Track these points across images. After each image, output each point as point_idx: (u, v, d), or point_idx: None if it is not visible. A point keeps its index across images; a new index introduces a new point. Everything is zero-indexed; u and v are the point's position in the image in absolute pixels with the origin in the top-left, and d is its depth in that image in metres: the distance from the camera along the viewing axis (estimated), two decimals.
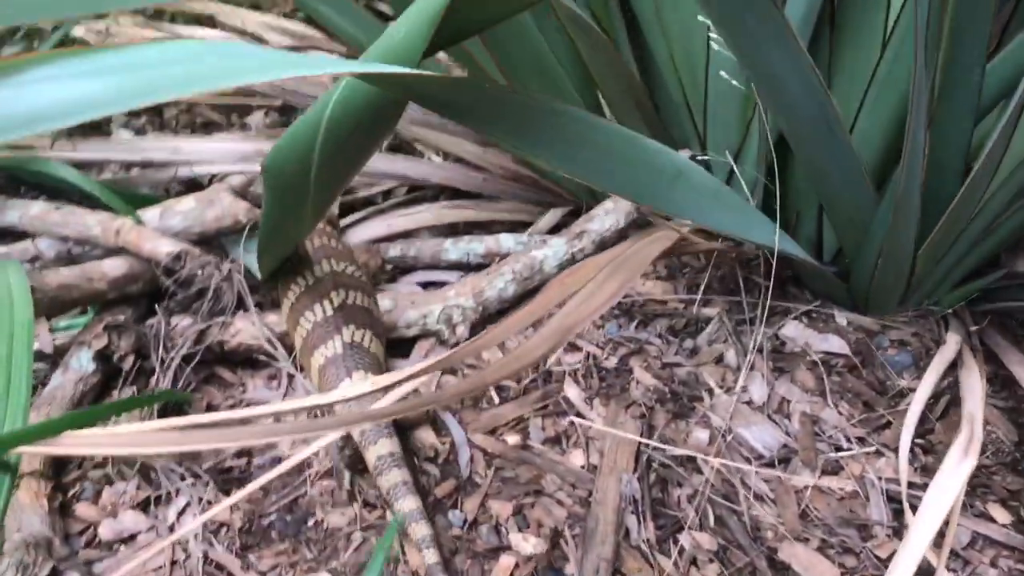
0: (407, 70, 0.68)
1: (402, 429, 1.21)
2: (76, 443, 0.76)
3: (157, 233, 1.37)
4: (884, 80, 1.15)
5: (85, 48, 0.67)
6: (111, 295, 1.36)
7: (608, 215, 1.44)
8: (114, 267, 1.36)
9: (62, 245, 1.44)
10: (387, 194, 1.83)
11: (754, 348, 1.34)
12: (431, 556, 1.03)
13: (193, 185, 1.75)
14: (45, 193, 1.65)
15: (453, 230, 1.70)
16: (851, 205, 1.20)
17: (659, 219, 1.38)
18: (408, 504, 1.07)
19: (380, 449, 1.11)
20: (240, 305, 1.34)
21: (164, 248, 1.34)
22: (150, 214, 1.43)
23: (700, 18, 1.10)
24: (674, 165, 0.98)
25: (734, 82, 1.16)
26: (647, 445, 1.23)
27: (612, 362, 1.35)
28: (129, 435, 0.77)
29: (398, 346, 1.38)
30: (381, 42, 0.79)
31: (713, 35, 1.08)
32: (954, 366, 1.33)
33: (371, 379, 0.93)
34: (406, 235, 1.63)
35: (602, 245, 1.44)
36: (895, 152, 1.25)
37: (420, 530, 1.05)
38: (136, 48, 0.67)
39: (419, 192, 1.81)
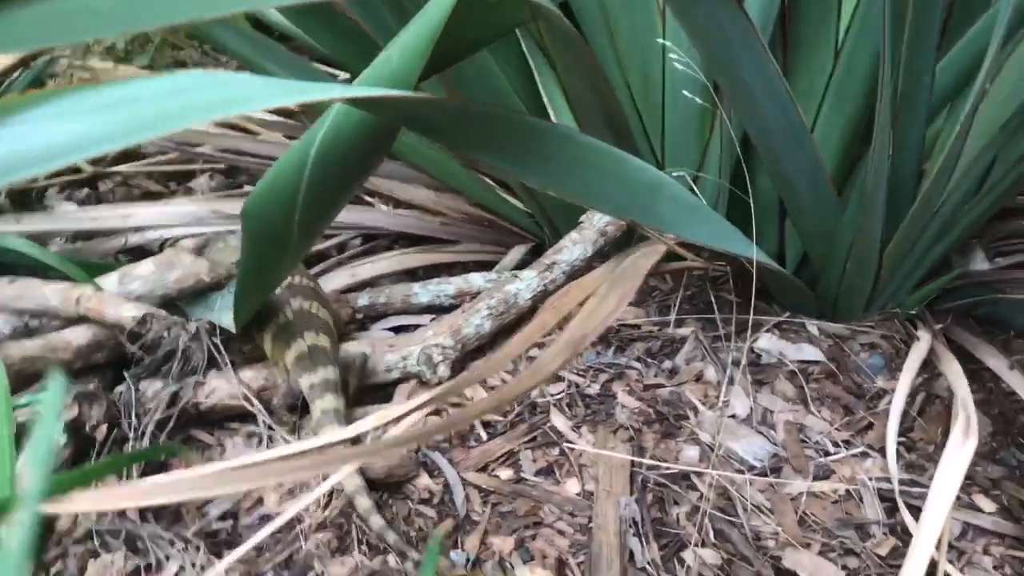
0: (418, 95, 0.68)
1: (394, 485, 1.20)
2: (86, 501, 0.73)
3: (119, 298, 1.34)
4: (838, 88, 1.20)
5: (79, 85, 0.66)
6: (76, 365, 1.32)
7: (576, 245, 1.46)
8: (78, 336, 1.32)
9: (18, 320, 1.39)
10: (342, 247, 1.82)
11: (732, 363, 1.36)
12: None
13: (143, 252, 1.71)
14: None
15: (413, 276, 1.70)
16: (817, 211, 1.24)
17: (642, 234, 1.40)
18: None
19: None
20: (212, 364, 1.31)
21: (128, 312, 1.30)
22: (109, 280, 1.40)
23: (661, 40, 1.14)
24: (654, 180, 1.00)
25: (697, 100, 1.19)
26: (640, 466, 1.23)
27: (595, 389, 1.35)
28: (142, 488, 0.75)
29: (379, 391, 1.37)
30: (376, 67, 0.80)
31: (673, 56, 1.12)
32: (927, 364, 1.36)
33: (373, 416, 0.91)
34: (370, 283, 1.62)
35: (572, 275, 1.46)
36: (851, 158, 1.30)
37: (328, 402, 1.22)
38: (133, 83, 0.66)
39: (374, 242, 1.81)
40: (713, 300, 1.45)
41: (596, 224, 1.50)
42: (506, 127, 0.87)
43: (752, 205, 1.20)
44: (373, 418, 0.93)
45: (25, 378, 1.28)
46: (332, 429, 1.22)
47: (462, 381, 0.86)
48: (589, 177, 0.93)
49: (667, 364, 1.39)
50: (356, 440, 1.10)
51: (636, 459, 1.24)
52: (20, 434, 1.26)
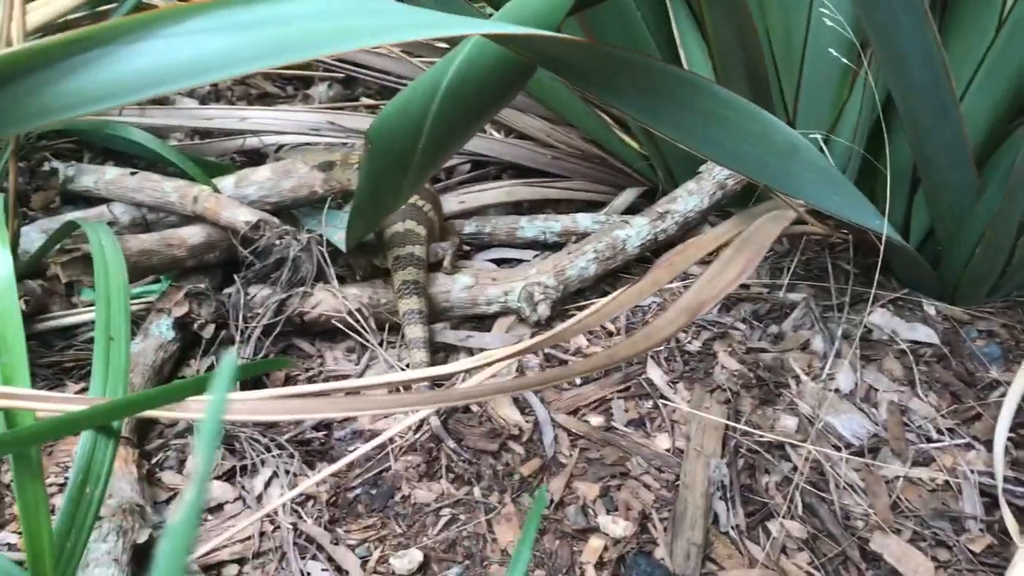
0: (562, 36, 0.66)
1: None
2: (194, 409, 0.75)
3: (235, 201, 1.36)
4: (996, 60, 1.12)
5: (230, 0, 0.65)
6: (189, 263, 1.35)
7: (691, 196, 1.42)
8: (193, 234, 1.35)
9: (137, 211, 1.43)
10: (450, 171, 1.82)
11: (841, 335, 1.32)
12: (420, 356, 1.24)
13: (258, 156, 1.74)
14: (113, 159, 1.64)
15: (519, 209, 1.68)
16: (954, 189, 1.17)
17: (764, 193, 1.36)
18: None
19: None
20: (319, 276, 1.33)
21: (243, 217, 1.33)
22: (226, 182, 1.42)
23: None
24: (789, 141, 0.96)
25: (842, 59, 1.13)
26: (734, 430, 1.22)
27: (696, 346, 1.33)
28: (249, 405, 0.77)
29: (478, 321, 1.38)
30: (520, 2, 0.77)
31: (823, 10, 1.06)
32: None
33: (472, 359, 0.91)
34: (476, 212, 1.61)
35: (685, 227, 1.42)
36: (997, 137, 1.22)
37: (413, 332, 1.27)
38: (283, 2, 0.66)
39: (483, 169, 1.80)
40: (829, 268, 1.40)
41: (716, 176, 1.45)
42: (646, 74, 0.84)
43: (877, 173, 1.15)
44: (472, 360, 0.93)
45: (141, 270, 1.32)
46: (417, 354, 1.26)
47: (565, 331, 0.84)
48: (722, 133, 0.90)
49: (773, 329, 1.36)
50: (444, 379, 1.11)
51: (731, 423, 1.22)
52: (134, 323, 1.31)
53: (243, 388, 1.23)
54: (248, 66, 0.65)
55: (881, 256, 1.12)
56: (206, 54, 0.64)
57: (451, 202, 1.60)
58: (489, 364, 0.88)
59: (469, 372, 1.20)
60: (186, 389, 0.73)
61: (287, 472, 1.14)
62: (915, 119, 1.10)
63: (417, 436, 1.19)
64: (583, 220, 1.51)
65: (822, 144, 1.22)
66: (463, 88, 0.87)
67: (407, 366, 1.28)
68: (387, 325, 1.35)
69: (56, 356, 1.30)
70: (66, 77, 0.58)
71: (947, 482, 1.19)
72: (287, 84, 2.19)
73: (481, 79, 0.84)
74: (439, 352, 1.34)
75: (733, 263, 0.83)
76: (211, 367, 1.27)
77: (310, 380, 1.30)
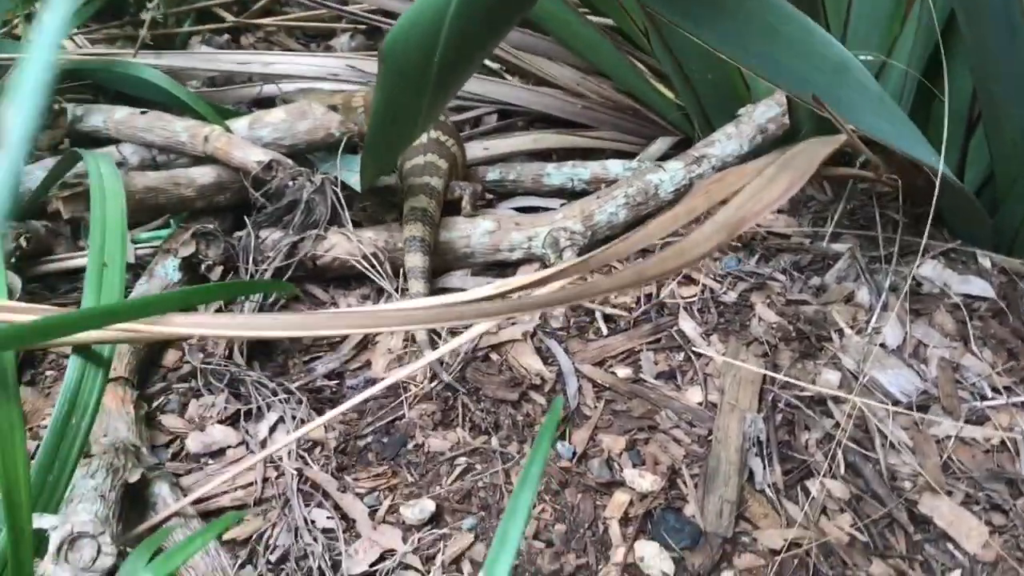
0: None
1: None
2: (185, 324, 0.69)
3: (247, 142, 1.30)
4: None
5: None
6: (198, 204, 1.30)
7: (730, 140, 1.35)
8: (203, 174, 1.30)
9: (146, 152, 1.38)
10: (477, 121, 1.75)
11: (889, 288, 1.24)
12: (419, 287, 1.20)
13: (274, 106, 1.68)
14: (126, 100, 1.59)
15: (547, 159, 1.61)
16: (1018, 125, 1.08)
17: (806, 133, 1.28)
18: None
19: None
20: (334, 220, 1.27)
21: (255, 157, 1.27)
22: (239, 124, 1.37)
23: None
24: (841, 59, 0.88)
25: None
26: (772, 383, 1.14)
27: (731, 297, 1.26)
28: (241, 320, 0.70)
29: (500, 269, 1.32)
30: None
31: None
32: None
33: (492, 285, 0.84)
34: (502, 160, 1.54)
35: (722, 171, 1.34)
36: None
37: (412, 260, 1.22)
38: None
39: (511, 119, 1.73)
40: (877, 216, 1.31)
41: (755, 119, 1.38)
42: None
43: (932, 108, 1.06)
44: (492, 287, 0.86)
45: (147, 209, 1.27)
46: (416, 284, 1.21)
47: (591, 261, 0.77)
48: (772, 45, 0.82)
49: (815, 280, 1.28)
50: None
51: (769, 373, 1.14)
52: (140, 267, 1.26)
53: None
54: None
55: (935, 198, 1.03)
56: None
57: (475, 149, 1.54)
58: (507, 292, 0.81)
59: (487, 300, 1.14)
60: (171, 300, 0.67)
61: (294, 418, 1.08)
62: (980, 43, 1.01)
63: (433, 385, 1.13)
64: (614, 167, 1.43)
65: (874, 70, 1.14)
66: None
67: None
68: (402, 269, 1.29)
69: (60, 299, 1.25)
70: None
71: (1003, 442, 1.10)
72: (311, 41, 2.13)
73: None
74: None
75: (777, 180, 0.75)
76: (218, 311, 1.21)
77: None
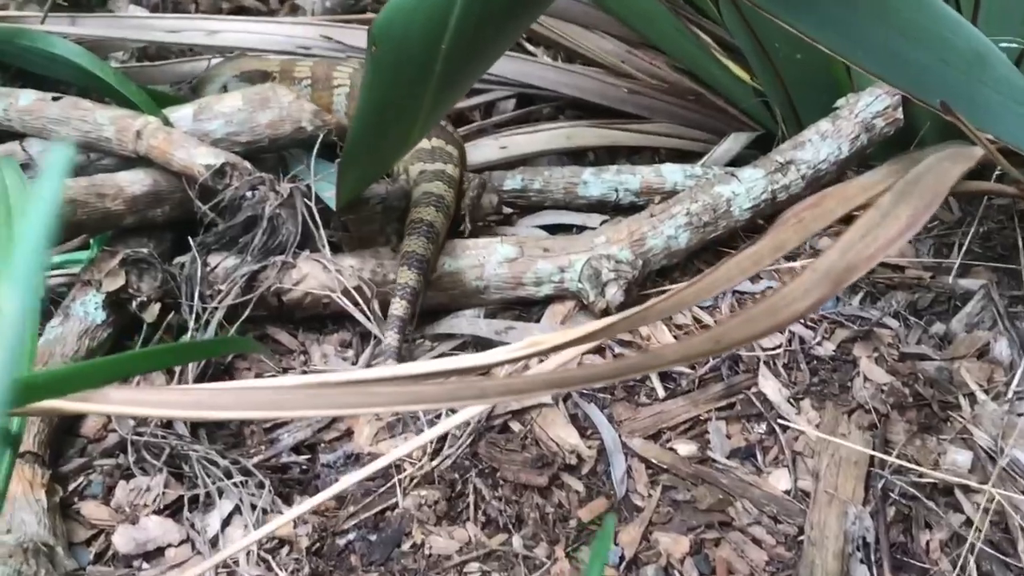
0: None
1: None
2: (122, 400, 0.70)
3: (193, 139, 1.32)
4: None
5: None
6: (128, 220, 1.32)
7: (825, 141, 1.37)
8: (133, 182, 1.32)
9: None
10: (489, 109, 1.77)
11: None
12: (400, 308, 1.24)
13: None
14: (33, 81, 1.61)
15: (581, 159, 1.64)
16: None
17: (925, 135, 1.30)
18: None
19: None
20: (305, 242, 1.29)
21: (203, 159, 1.28)
22: (181, 113, 1.39)
23: None
24: (977, 49, 0.89)
25: None
26: (882, 466, 1.16)
27: (828, 348, 1.28)
28: (195, 396, 0.71)
29: (524, 308, 1.34)
30: None
31: None
32: None
33: (510, 347, 0.85)
34: (523, 162, 1.57)
35: (816, 183, 1.36)
36: None
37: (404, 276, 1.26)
38: None
39: (534, 107, 1.75)
40: (1020, 244, 1.33)
41: (859, 113, 1.39)
42: None
43: None
44: (508, 349, 0.87)
45: (63, 227, 1.28)
46: (390, 335, 1.23)
47: (644, 315, 0.78)
48: (887, 32, 0.83)
49: (938, 327, 1.30)
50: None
51: (878, 455, 1.16)
52: (54, 299, 1.28)
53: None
54: None
55: None
56: None
57: (490, 147, 1.56)
58: (532, 356, 0.82)
59: (510, 364, 1.15)
60: (104, 369, 0.68)
61: (254, 508, 1.09)
62: None
63: (435, 463, 1.14)
64: (671, 173, 1.45)
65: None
66: None
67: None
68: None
69: None
70: None
71: None
72: None
73: None
74: (467, 348, 1.29)
75: (895, 214, 0.76)
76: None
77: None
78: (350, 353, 1.29)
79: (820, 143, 1.37)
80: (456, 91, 1.05)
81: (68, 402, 0.69)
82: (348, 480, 1.01)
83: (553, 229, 1.47)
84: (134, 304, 1.24)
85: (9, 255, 0.93)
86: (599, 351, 1.27)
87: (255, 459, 1.15)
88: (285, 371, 1.26)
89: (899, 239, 0.75)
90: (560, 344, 0.83)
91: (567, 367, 0.84)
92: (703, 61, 1.62)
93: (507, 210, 1.49)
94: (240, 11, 2.11)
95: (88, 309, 1.23)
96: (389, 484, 1.13)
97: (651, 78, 1.72)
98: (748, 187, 1.35)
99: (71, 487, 1.13)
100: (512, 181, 1.48)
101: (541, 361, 0.96)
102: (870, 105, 1.40)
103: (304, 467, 1.16)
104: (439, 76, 0.97)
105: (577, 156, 1.62)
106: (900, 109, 1.40)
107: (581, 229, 1.46)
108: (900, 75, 0.90)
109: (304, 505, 0.99)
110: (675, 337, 1.29)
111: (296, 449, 1.18)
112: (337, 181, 1.24)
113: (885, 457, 1.16)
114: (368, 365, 1.26)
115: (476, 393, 0.69)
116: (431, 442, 1.15)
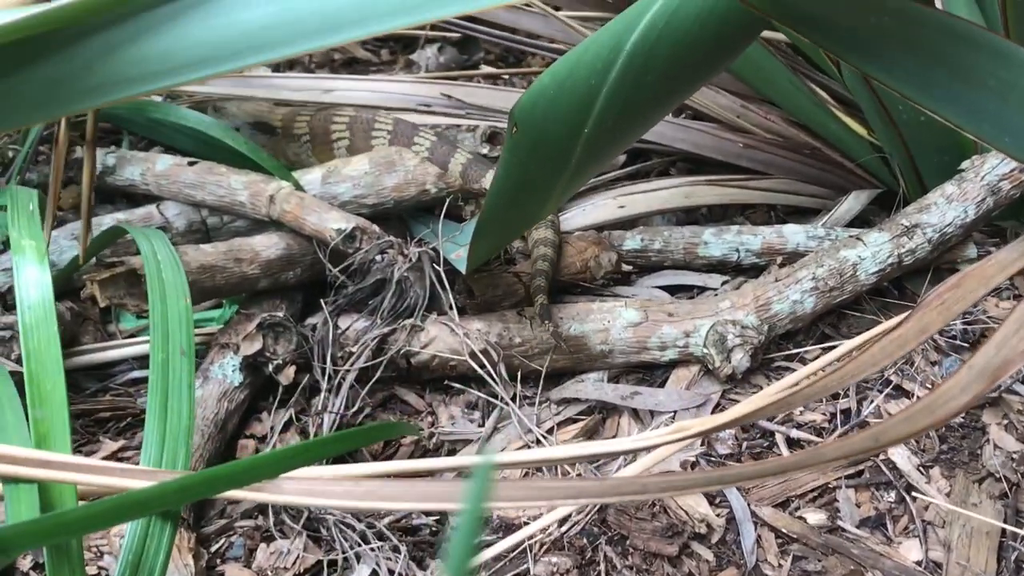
0: None
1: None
2: (297, 491, 0.73)
3: (324, 203, 1.36)
4: None
5: None
6: (262, 283, 1.36)
7: (951, 204, 1.36)
8: (268, 246, 1.36)
9: (194, 213, 1.45)
10: None
11: None
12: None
13: None
14: (159, 144, 1.66)
15: (691, 217, 1.64)
16: None
17: None
18: None
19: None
20: (432, 304, 1.31)
21: (334, 224, 1.32)
22: (311, 177, 1.43)
23: None
24: None
25: None
26: (1015, 538, 1.14)
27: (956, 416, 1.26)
28: (366, 488, 0.73)
29: (645, 373, 1.34)
30: None
31: None
32: None
33: (647, 435, 0.86)
34: (637, 220, 1.57)
35: (941, 246, 1.36)
36: None
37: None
38: None
39: (645, 162, 1.76)
40: None
41: (984, 176, 1.38)
42: (919, 30, 0.78)
43: None
44: (656, 435, 0.88)
45: (199, 292, 1.32)
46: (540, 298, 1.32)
47: (792, 399, 0.79)
48: (1012, 112, 0.83)
49: None
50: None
51: (1009, 527, 1.14)
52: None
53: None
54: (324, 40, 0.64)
55: None
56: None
57: (607, 206, 1.57)
58: (682, 440, 0.83)
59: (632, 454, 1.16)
60: (283, 461, 0.71)
61: (391, 573, 1.11)
62: None
63: (564, 530, 1.16)
64: (794, 234, 1.45)
65: None
66: (656, 51, 0.84)
67: (548, 432, 1.25)
68: (520, 372, 1.32)
69: (87, 403, 1.32)
70: (147, 36, 0.57)
71: None
72: (381, 47, 2.21)
73: (685, 39, 0.81)
74: (594, 413, 1.30)
75: None
76: (288, 424, 1.26)
77: (417, 444, 1.28)
78: (476, 415, 1.31)
79: (946, 206, 1.36)
80: (592, 170, 1.07)
81: (246, 491, 0.72)
82: (484, 556, 1.03)
83: (673, 289, 1.48)
84: (271, 367, 1.28)
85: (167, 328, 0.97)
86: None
87: (386, 520, 1.17)
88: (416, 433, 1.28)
89: None
90: (708, 429, 0.84)
91: (729, 465, 0.85)
92: (819, 116, 1.62)
93: (626, 268, 1.50)
94: (352, 63, 2.15)
95: (226, 371, 1.27)
96: (519, 549, 1.14)
97: (767, 133, 1.71)
98: (874, 251, 1.35)
99: (212, 548, 1.16)
100: (632, 241, 1.49)
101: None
102: (996, 167, 1.39)
103: (434, 529, 1.18)
104: (577, 159, 0.99)
105: (690, 211, 1.63)
106: None
107: (702, 290, 1.47)
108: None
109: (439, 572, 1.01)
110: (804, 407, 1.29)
111: (427, 511, 1.20)
112: (469, 249, 1.27)
113: (1017, 530, 1.14)
114: (494, 430, 1.28)
115: (637, 489, 0.71)
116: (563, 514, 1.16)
